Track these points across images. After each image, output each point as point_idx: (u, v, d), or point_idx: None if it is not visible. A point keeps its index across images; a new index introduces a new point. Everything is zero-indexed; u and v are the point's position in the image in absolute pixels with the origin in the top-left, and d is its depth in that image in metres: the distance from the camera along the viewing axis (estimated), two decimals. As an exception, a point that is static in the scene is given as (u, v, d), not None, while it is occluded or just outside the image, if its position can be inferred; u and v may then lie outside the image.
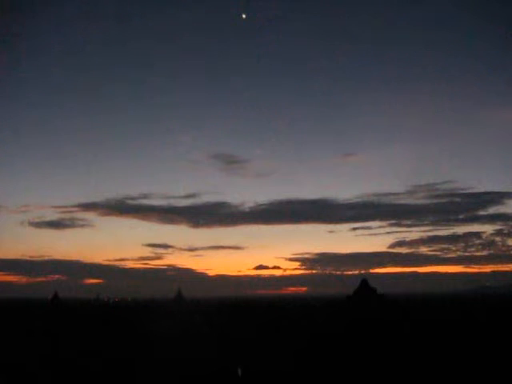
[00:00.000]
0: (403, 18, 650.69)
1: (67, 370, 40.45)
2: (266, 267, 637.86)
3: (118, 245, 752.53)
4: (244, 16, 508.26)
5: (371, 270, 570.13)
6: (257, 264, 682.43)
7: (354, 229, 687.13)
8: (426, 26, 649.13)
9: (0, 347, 53.83)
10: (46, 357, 47.54)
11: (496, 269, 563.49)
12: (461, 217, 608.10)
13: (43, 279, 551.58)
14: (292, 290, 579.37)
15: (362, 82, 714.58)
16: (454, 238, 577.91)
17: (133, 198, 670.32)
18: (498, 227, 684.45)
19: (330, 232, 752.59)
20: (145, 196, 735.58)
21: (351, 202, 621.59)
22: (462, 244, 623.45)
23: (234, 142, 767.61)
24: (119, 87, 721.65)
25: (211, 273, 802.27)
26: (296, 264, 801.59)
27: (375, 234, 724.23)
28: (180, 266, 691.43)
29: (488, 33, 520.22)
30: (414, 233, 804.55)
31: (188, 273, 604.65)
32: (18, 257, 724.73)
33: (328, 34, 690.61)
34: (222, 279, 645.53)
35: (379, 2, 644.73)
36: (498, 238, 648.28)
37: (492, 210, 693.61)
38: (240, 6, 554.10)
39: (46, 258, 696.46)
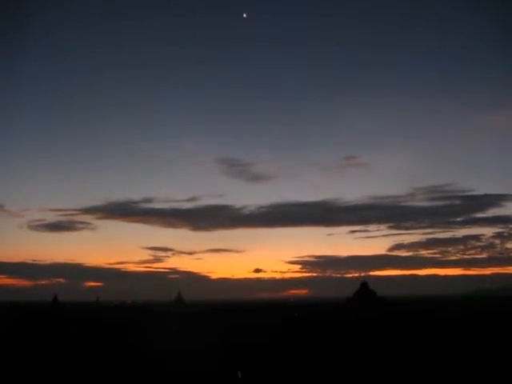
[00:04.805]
0: (405, 19, 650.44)
1: (63, 371, 40.50)
2: (267, 270, 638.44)
3: (119, 248, 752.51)
4: (245, 15, 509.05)
5: (371, 273, 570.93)
6: (257, 267, 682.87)
7: (354, 231, 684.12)
8: (431, 30, 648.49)
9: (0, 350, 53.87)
10: (42, 358, 47.58)
11: (495, 271, 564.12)
12: (460, 219, 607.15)
13: (44, 282, 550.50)
14: (292, 292, 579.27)
15: (364, 85, 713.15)
16: (453, 241, 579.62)
17: (133, 202, 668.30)
18: (497, 230, 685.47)
19: (330, 235, 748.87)
20: (146, 199, 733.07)
21: (351, 204, 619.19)
22: (462, 246, 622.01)
23: (234, 145, 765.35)
24: (120, 90, 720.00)
25: (212, 276, 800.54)
26: (296, 267, 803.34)
27: (374, 237, 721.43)
28: (181, 269, 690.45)
29: (488, 35, 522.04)
30: (414, 235, 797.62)
31: (189, 276, 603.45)
32: (19, 260, 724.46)
33: (330, 37, 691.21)
34: (223, 282, 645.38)
35: (380, 4, 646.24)
36: (497, 241, 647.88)
37: (491, 213, 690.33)
38: (241, 7, 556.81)
39: (47, 261, 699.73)
